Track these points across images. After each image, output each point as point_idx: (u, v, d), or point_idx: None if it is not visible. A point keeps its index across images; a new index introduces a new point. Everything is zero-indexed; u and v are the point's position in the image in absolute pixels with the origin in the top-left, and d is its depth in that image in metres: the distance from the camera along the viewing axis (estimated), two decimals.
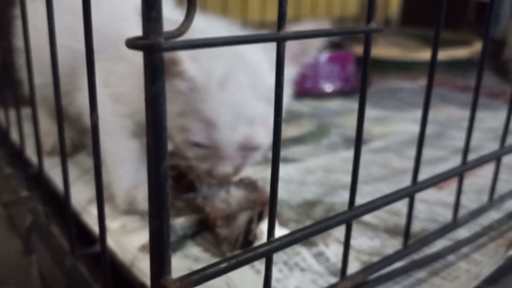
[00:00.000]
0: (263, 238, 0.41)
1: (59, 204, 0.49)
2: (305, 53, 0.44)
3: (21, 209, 0.63)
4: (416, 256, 0.40)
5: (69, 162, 0.53)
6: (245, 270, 0.39)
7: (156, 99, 0.19)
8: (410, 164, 0.36)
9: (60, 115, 0.32)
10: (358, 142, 0.29)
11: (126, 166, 0.49)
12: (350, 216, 0.29)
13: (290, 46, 0.40)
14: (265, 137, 0.44)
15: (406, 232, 0.36)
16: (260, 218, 0.44)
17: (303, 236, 0.27)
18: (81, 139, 0.66)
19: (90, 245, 0.45)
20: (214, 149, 0.44)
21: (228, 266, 0.24)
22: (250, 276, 0.39)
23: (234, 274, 0.39)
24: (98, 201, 0.29)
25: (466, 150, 0.38)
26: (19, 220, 0.66)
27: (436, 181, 0.34)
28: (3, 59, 0.58)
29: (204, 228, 0.47)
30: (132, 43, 0.19)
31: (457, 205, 0.41)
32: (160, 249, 0.22)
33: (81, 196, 0.51)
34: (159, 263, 0.22)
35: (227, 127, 0.43)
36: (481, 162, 0.39)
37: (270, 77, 0.38)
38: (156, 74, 0.19)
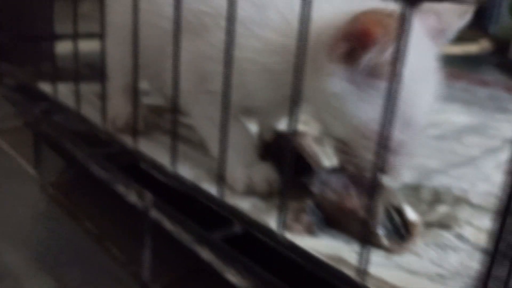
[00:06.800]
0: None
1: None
2: (445, 29, 0.43)
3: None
4: None
5: (144, 139, 0.54)
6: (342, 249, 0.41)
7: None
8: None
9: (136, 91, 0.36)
10: None
11: (238, 149, 0.48)
12: None
13: (429, 21, 0.41)
14: None
15: None
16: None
17: None
18: (154, 119, 0.66)
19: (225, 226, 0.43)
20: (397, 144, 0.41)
21: None
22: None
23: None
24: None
25: None
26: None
27: None
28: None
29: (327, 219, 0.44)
30: None
31: None
32: None
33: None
34: None
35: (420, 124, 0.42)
36: None
37: None
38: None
